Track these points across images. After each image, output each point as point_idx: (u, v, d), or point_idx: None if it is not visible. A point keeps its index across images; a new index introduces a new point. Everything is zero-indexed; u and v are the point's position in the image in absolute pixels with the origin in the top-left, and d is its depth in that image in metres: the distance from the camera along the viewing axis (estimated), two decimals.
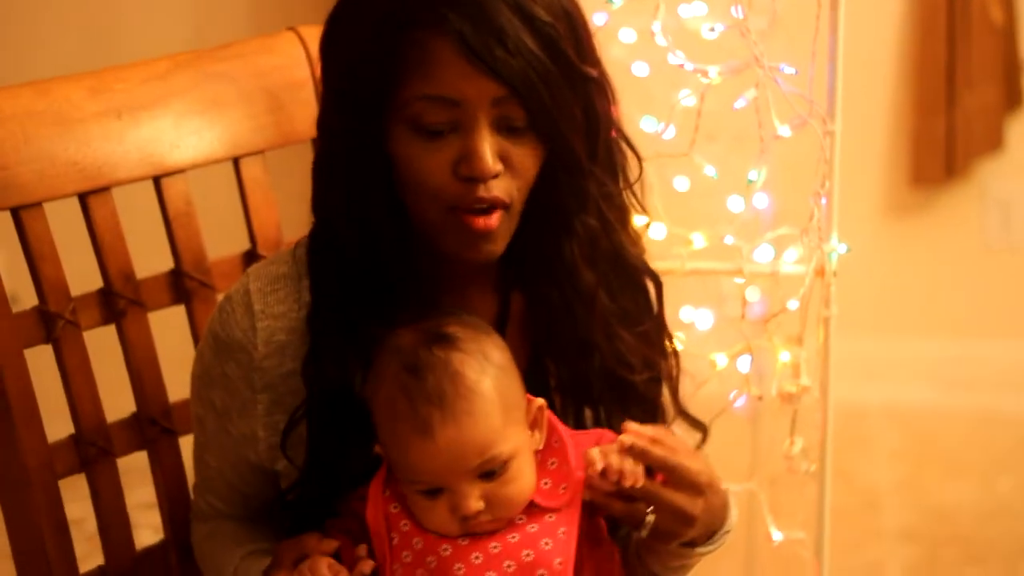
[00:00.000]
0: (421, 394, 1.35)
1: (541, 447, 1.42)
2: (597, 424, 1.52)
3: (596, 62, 1.46)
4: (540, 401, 1.42)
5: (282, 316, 1.49)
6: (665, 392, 1.59)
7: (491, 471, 1.36)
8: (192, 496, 1.63)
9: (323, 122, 1.47)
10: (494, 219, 1.40)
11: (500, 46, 1.35)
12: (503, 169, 1.40)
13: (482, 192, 1.39)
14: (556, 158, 1.43)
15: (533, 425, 1.42)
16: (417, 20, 1.36)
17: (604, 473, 1.37)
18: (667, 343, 1.60)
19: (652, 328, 1.57)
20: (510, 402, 1.38)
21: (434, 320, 1.40)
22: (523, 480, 1.38)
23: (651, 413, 1.57)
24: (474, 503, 1.36)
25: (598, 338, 1.51)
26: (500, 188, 1.40)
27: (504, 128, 1.39)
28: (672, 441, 1.42)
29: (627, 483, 1.37)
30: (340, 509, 1.45)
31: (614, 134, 1.50)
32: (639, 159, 1.54)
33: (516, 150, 1.40)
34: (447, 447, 1.34)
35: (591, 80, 1.44)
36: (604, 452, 1.38)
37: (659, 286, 1.59)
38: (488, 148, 1.38)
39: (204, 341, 1.53)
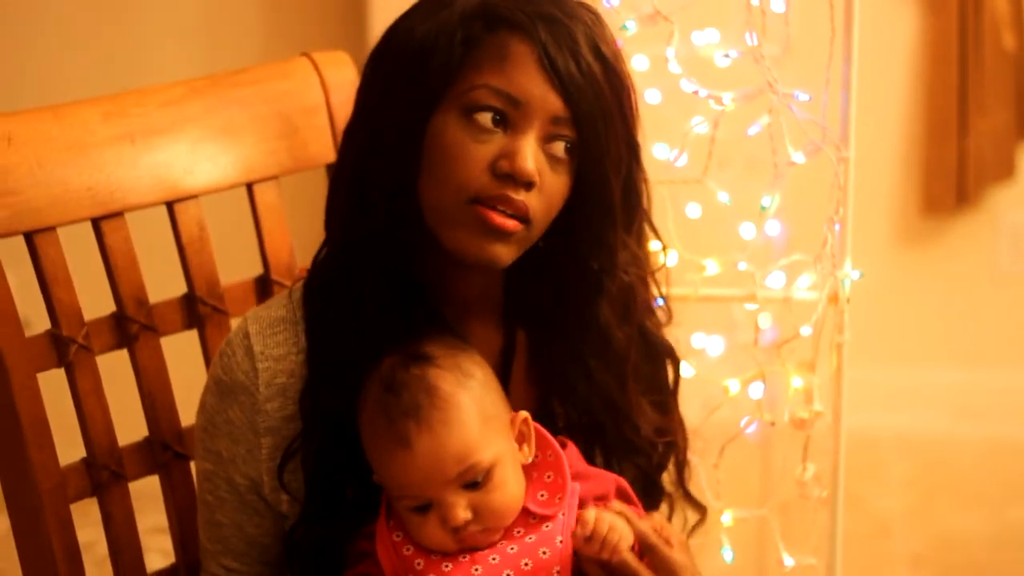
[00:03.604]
0: (397, 409, 1.37)
1: (530, 461, 1.43)
2: (607, 465, 1.52)
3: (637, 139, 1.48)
4: (524, 414, 1.44)
5: (282, 359, 1.49)
6: (671, 471, 1.60)
7: (474, 481, 1.38)
8: (203, 563, 1.59)
9: (361, 121, 1.47)
10: (512, 224, 1.40)
11: (576, 66, 1.39)
12: (538, 182, 1.41)
13: (512, 193, 1.39)
14: (591, 197, 1.44)
15: (520, 439, 1.43)
16: (506, 21, 1.40)
17: (589, 538, 1.39)
18: (678, 422, 1.61)
19: (668, 401, 1.59)
20: (489, 412, 1.40)
21: (415, 343, 1.42)
22: (509, 488, 1.40)
23: (656, 465, 1.58)
24: (461, 513, 1.37)
25: (616, 398, 1.52)
26: (530, 200, 1.40)
27: (548, 151, 1.41)
28: (668, 531, 1.44)
29: (604, 555, 1.39)
30: (350, 553, 1.46)
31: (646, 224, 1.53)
32: (663, 247, 1.58)
33: (552, 175, 1.42)
34: (424, 457, 1.36)
35: (637, 147, 1.47)
36: (598, 518, 1.39)
37: (677, 365, 1.60)
38: (532, 154, 1.40)
39: (207, 388, 1.53)
